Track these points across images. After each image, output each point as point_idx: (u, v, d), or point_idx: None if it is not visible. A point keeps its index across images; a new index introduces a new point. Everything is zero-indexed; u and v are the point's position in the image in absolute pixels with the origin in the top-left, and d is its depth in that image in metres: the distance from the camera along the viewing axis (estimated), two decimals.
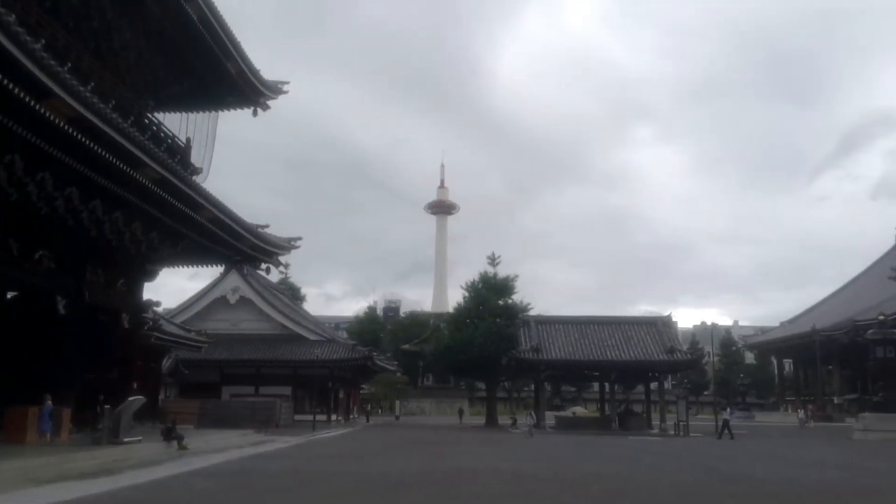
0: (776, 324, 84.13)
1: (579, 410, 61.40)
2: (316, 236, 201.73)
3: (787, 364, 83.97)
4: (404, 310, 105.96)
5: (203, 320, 48.03)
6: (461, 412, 58.36)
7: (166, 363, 38.96)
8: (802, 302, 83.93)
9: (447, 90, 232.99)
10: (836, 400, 66.11)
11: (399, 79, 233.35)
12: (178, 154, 23.09)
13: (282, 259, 29.31)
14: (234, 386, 46.50)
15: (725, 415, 38.15)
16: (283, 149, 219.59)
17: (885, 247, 78.35)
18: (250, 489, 13.84)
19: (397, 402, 68.56)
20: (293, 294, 68.34)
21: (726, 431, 35.77)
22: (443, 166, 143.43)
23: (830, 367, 68.35)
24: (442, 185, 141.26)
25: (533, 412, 37.66)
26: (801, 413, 54.43)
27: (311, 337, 50.26)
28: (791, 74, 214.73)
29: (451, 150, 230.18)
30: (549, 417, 47.80)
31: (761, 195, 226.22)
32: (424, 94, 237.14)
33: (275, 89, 25.94)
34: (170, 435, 20.86)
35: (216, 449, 22.64)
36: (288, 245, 28.01)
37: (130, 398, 20.08)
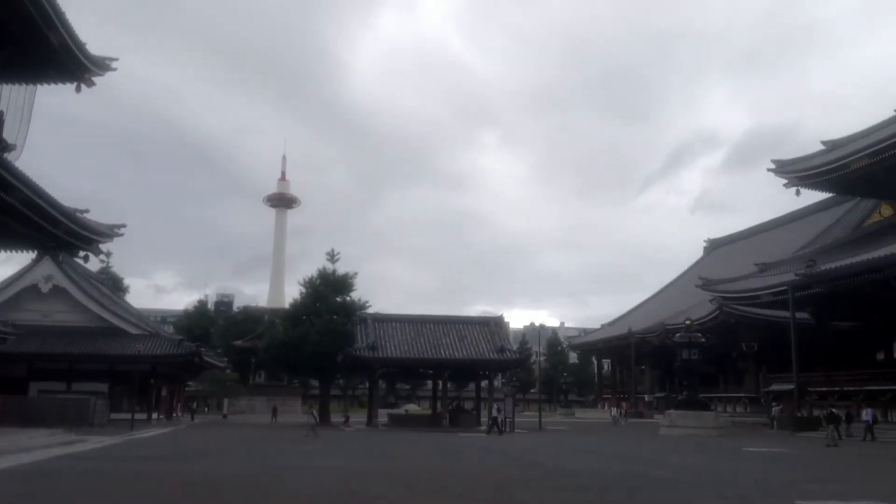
0: (598, 326, 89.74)
1: (412, 408, 62.39)
2: (146, 224, 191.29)
3: (606, 364, 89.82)
4: (240, 304, 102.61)
5: (10, 310, 43.99)
6: (275, 410, 56.44)
7: None
8: (624, 306, 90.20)
9: (297, 80, 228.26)
10: (647, 398, 71.49)
11: (247, 64, 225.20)
12: None
13: (103, 247, 27.65)
14: (43, 382, 43.09)
15: (494, 412, 39.76)
16: (114, 128, 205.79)
17: (696, 256, 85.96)
18: (56, 492, 12.86)
19: (226, 401, 66.26)
20: (115, 285, 64.10)
21: (496, 428, 37.29)
22: (284, 158, 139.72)
23: (643, 367, 73.85)
24: (283, 178, 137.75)
25: (315, 411, 36.14)
26: (614, 411, 58.35)
27: (133, 331, 47.43)
28: (626, 91, 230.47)
29: (298, 143, 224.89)
30: (382, 415, 48.16)
31: (594, 204, 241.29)
32: (273, 82, 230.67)
33: (102, 65, 24.27)
34: None
35: (20, 448, 20.88)
36: (110, 232, 26.42)
37: None
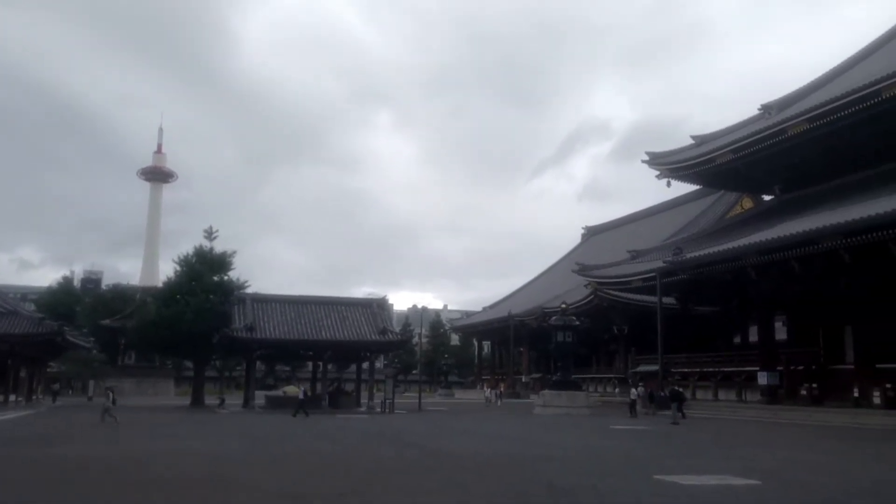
0: (481, 308, 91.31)
1: (291, 389, 61.31)
2: (9, 194, 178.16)
3: (487, 345, 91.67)
4: (110, 282, 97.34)
5: None
6: (107, 392, 52.27)
7: None
8: (507, 289, 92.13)
9: (183, 48, 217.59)
10: (524, 379, 73.57)
11: (128, 28, 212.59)
12: None
13: None
14: None
15: (301, 395, 39.71)
16: None
17: (576, 243, 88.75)
18: None
19: (91, 382, 62.96)
20: None
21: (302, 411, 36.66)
22: (161, 130, 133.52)
23: (522, 348, 75.88)
24: (159, 151, 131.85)
25: (112, 392, 32.67)
26: (488, 391, 59.66)
27: None
28: (521, 78, 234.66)
29: (183, 116, 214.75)
30: (260, 397, 47.21)
31: (485, 188, 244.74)
32: (156, 48, 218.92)
33: None
34: None
35: None
36: None
37: None
